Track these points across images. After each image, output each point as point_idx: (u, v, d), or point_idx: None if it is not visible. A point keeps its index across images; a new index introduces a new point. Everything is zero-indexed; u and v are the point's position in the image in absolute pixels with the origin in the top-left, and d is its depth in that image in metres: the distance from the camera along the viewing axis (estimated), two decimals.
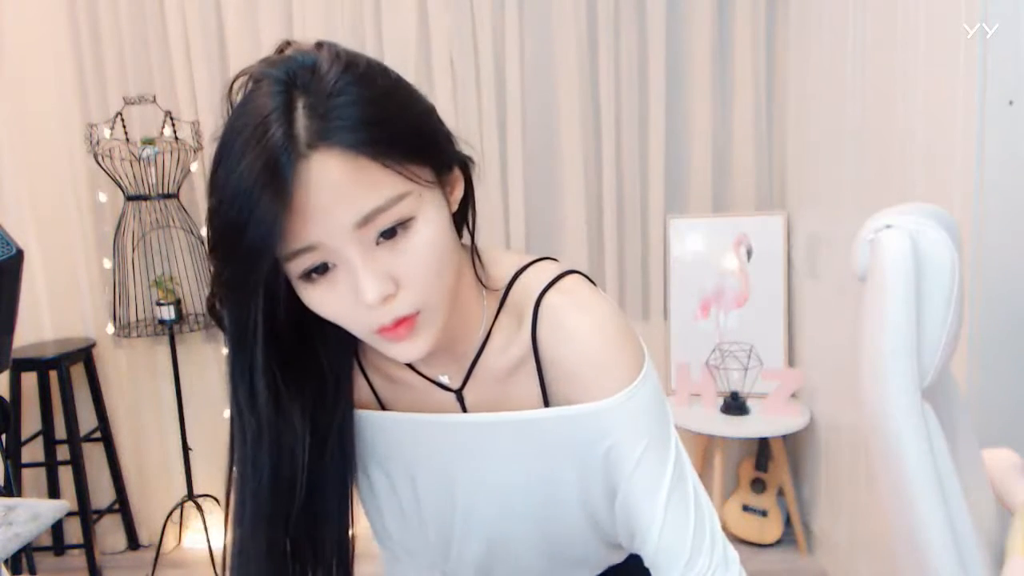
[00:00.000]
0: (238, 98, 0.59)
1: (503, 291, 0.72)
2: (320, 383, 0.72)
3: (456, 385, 0.75)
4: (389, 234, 0.58)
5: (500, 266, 0.73)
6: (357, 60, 0.59)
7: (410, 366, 0.76)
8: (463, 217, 0.71)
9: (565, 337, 0.68)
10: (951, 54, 1.57)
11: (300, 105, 0.55)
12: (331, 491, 0.74)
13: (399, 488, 0.80)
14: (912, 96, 1.75)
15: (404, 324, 0.60)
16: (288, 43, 0.62)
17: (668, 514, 0.69)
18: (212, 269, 0.60)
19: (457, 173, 0.66)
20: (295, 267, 0.58)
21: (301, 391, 0.69)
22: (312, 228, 0.55)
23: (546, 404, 0.72)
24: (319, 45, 0.60)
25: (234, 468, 0.68)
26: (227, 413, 2.42)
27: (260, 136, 0.54)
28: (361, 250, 0.57)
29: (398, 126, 0.58)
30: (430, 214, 0.59)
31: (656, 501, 0.69)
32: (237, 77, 0.60)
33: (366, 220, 0.56)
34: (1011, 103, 1.49)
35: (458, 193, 0.66)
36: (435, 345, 0.63)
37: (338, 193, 0.55)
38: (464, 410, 0.76)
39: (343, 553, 0.76)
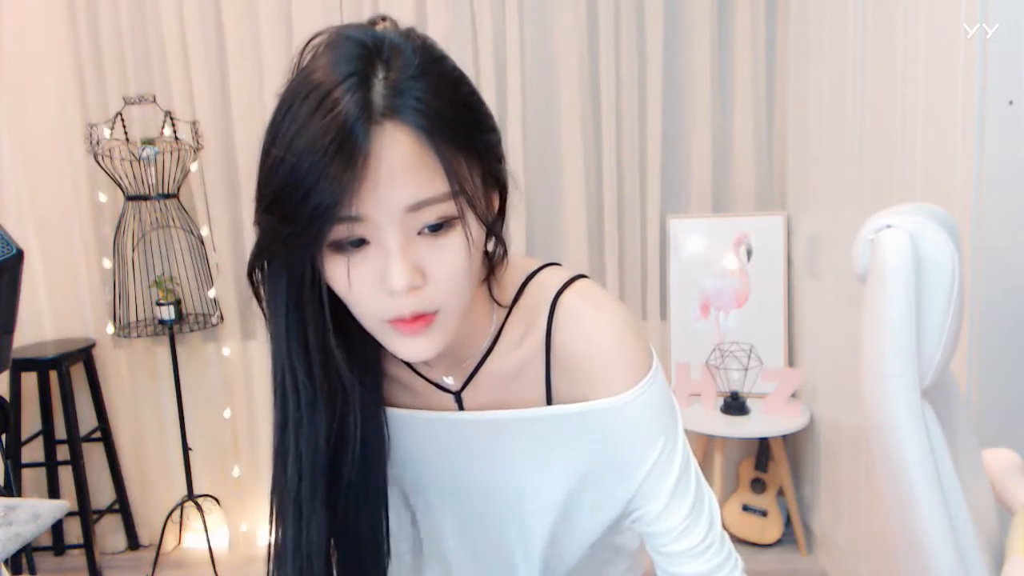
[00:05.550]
0: (307, 59, 0.58)
1: (514, 295, 0.73)
2: (363, 351, 0.71)
3: (456, 388, 0.75)
4: (433, 228, 0.57)
5: (510, 271, 0.74)
6: (444, 58, 0.60)
7: (410, 367, 0.76)
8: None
9: (581, 335, 0.69)
10: (951, 54, 1.57)
11: (380, 75, 0.55)
12: (368, 475, 0.73)
13: (402, 491, 0.80)
14: (912, 96, 1.75)
15: (421, 320, 0.60)
16: (383, 18, 0.62)
17: (670, 505, 0.71)
18: (264, 226, 0.58)
19: (495, 195, 0.67)
20: (333, 233, 0.56)
21: (350, 354, 0.68)
22: (365, 200, 0.54)
23: (549, 405, 0.73)
24: (409, 31, 0.60)
25: (282, 439, 0.66)
26: (228, 413, 2.41)
27: (338, 97, 0.54)
28: (402, 235, 0.56)
29: (467, 130, 0.58)
30: (472, 222, 0.59)
31: (661, 494, 0.71)
32: (316, 36, 0.59)
33: (418, 206, 0.56)
34: (1011, 103, 1.49)
35: (491, 212, 0.66)
36: (442, 349, 0.63)
37: (400, 170, 0.54)
38: (461, 409, 0.76)
39: (379, 542, 0.75)
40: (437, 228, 0.58)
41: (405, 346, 0.62)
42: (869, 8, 1.97)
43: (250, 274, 0.63)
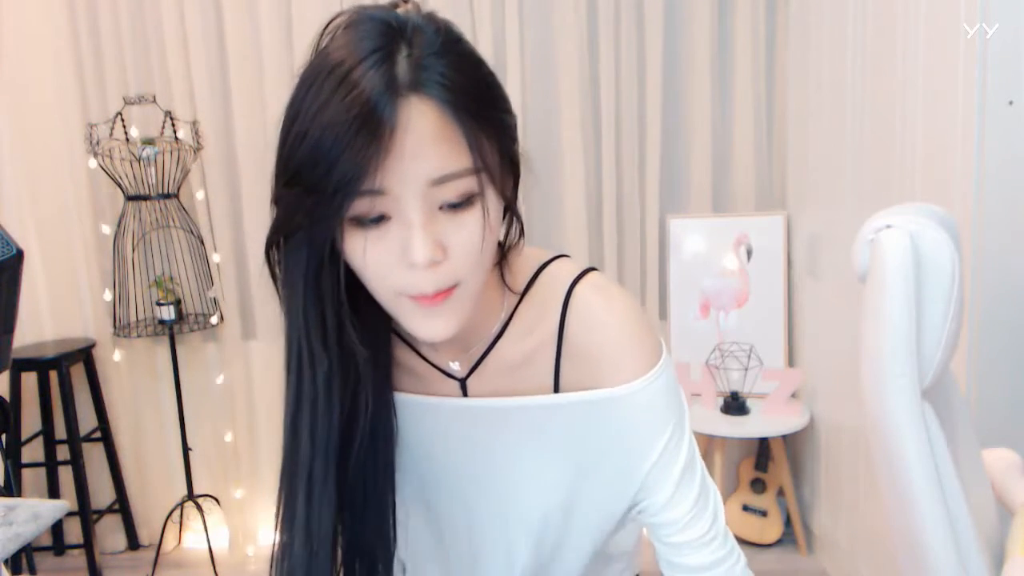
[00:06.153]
0: (327, 39, 0.59)
1: (527, 283, 0.73)
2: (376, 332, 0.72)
3: (462, 375, 0.75)
4: (453, 206, 0.58)
5: (521, 259, 0.75)
6: (463, 40, 0.61)
7: (416, 352, 0.76)
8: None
9: (595, 325, 0.70)
10: (951, 54, 1.57)
11: (403, 52, 0.56)
12: (375, 465, 0.73)
13: (405, 477, 0.80)
14: (912, 96, 1.75)
15: (441, 295, 0.60)
16: (405, 0, 0.62)
17: (675, 495, 0.72)
18: (285, 201, 0.59)
19: (510, 178, 0.67)
20: (354, 208, 0.57)
21: (365, 331, 0.68)
22: (389, 173, 0.55)
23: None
24: (430, 14, 0.61)
25: (297, 415, 0.66)
26: (228, 413, 2.40)
27: (362, 71, 0.54)
28: (424, 210, 0.57)
29: (488, 108, 0.60)
30: (492, 199, 0.60)
31: (667, 484, 0.71)
32: (336, 16, 0.59)
33: (442, 180, 0.56)
34: (1011, 103, 1.49)
35: (506, 194, 0.67)
36: (459, 330, 0.63)
37: (425, 144, 0.55)
38: (465, 395, 0.76)
39: (385, 528, 0.75)
40: (456, 206, 0.58)
41: (423, 324, 0.62)
42: (869, 8, 1.97)
43: (267, 251, 0.64)
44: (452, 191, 0.57)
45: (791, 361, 2.63)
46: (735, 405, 2.50)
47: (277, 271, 0.64)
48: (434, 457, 0.78)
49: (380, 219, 0.58)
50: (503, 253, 0.72)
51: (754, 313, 2.62)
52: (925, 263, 0.98)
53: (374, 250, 0.58)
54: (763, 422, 2.46)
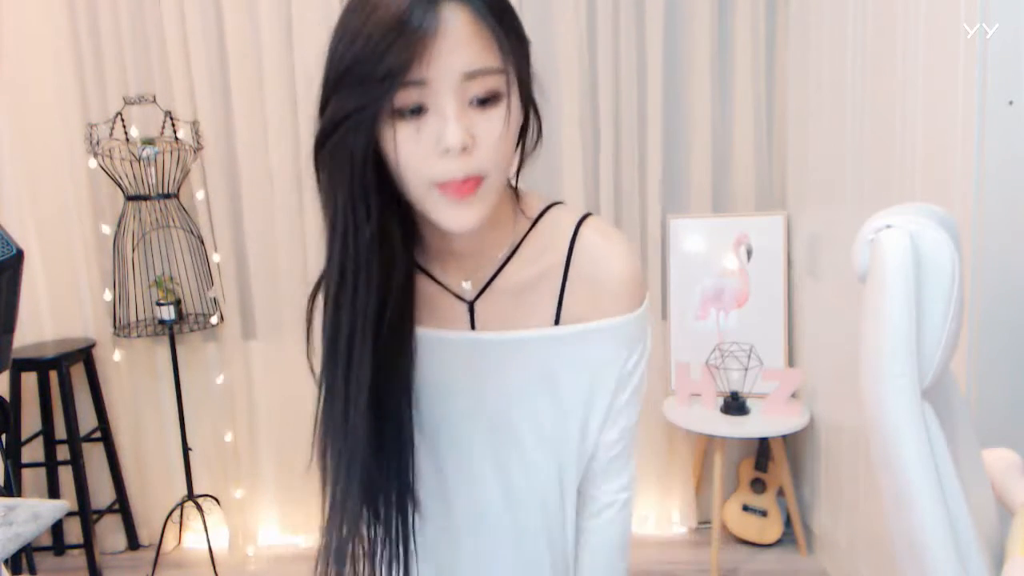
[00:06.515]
0: None
1: (536, 216, 0.82)
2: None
3: (471, 296, 0.81)
4: (482, 101, 0.67)
5: (532, 198, 0.84)
6: None
7: (430, 276, 0.81)
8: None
9: (601, 258, 0.80)
10: (951, 54, 1.57)
11: None
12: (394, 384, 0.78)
13: (424, 418, 0.83)
14: (912, 96, 1.75)
15: (470, 183, 0.67)
16: None
17: (627, 404, 0.83)
18: (335, 96, 0.67)
19: (528, 91, 0.75)
20: (397, 99, 0.65)
21: (401, 221, 0.76)
22: (429, 65, 0.64)
23: (557, 324, 0.80)
24: None
25: (341, 283, 0.72)
26: (228, 413, 2.39)
27: None
28: (457, 102, 0.65)
29: (512, 21, 0.69)
30: (515, 101, 0.69)
31: (624, 393, 0.82)
32: None
33: (474, 75, 0.65)
34: (1011, 103, 1.49)
35: (526, 98, 0.75)
36: (482, 223, 0.70)
37: (460, 42, 0.64)
38: (472, 325, 0.82)
39: (405, 472, 0.79)
40: (485, 102, 0.67)
41: (453, 215, 0.69)
42: (869, 8, 1.97)
43: (316, 152, 0.70)
44: (481, 86, 0.66)
45: (791, 361, 2.63)
46: (735, 405, 2.50)
47: (321, 175, 0.72)
48: (450, 396, 0.83)
49: (418, 111, 0.66)
50: (518, 169, 0.79)
51: (754, 313, 2.62)
52: (925, 263, 0.98)
53: (412, 141, 0.66)
54: (763, 422, 2.46)
